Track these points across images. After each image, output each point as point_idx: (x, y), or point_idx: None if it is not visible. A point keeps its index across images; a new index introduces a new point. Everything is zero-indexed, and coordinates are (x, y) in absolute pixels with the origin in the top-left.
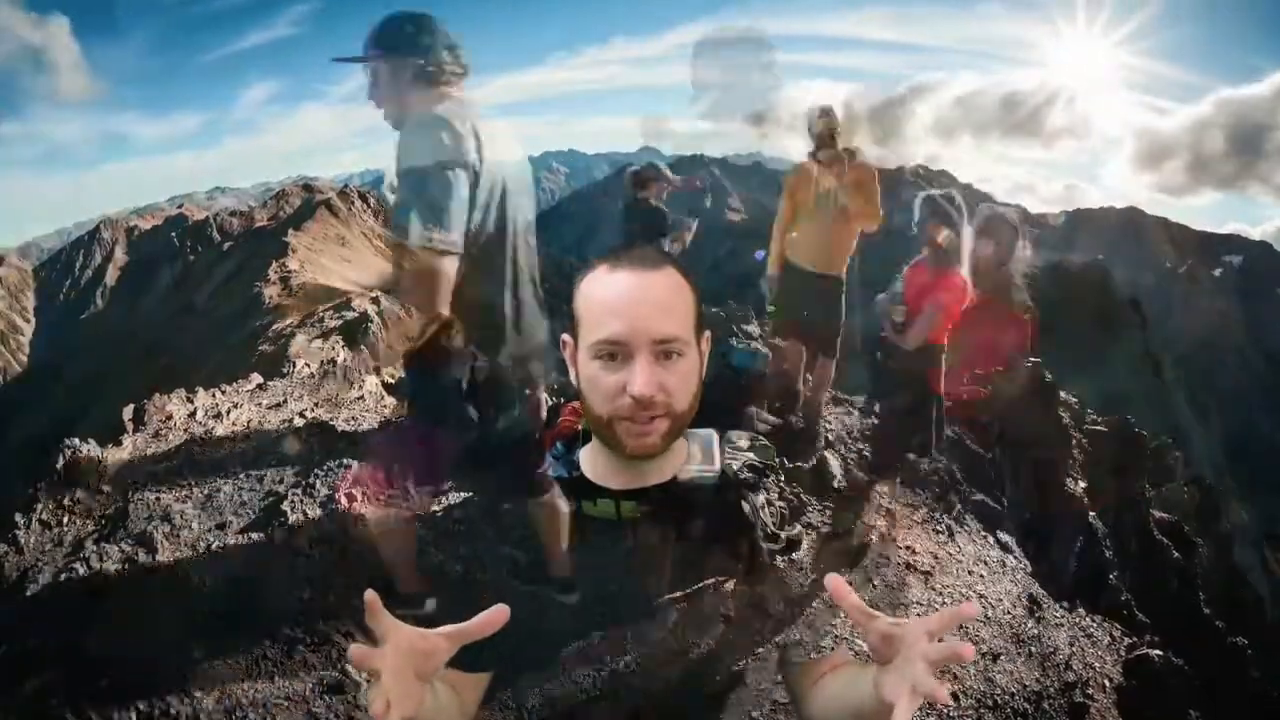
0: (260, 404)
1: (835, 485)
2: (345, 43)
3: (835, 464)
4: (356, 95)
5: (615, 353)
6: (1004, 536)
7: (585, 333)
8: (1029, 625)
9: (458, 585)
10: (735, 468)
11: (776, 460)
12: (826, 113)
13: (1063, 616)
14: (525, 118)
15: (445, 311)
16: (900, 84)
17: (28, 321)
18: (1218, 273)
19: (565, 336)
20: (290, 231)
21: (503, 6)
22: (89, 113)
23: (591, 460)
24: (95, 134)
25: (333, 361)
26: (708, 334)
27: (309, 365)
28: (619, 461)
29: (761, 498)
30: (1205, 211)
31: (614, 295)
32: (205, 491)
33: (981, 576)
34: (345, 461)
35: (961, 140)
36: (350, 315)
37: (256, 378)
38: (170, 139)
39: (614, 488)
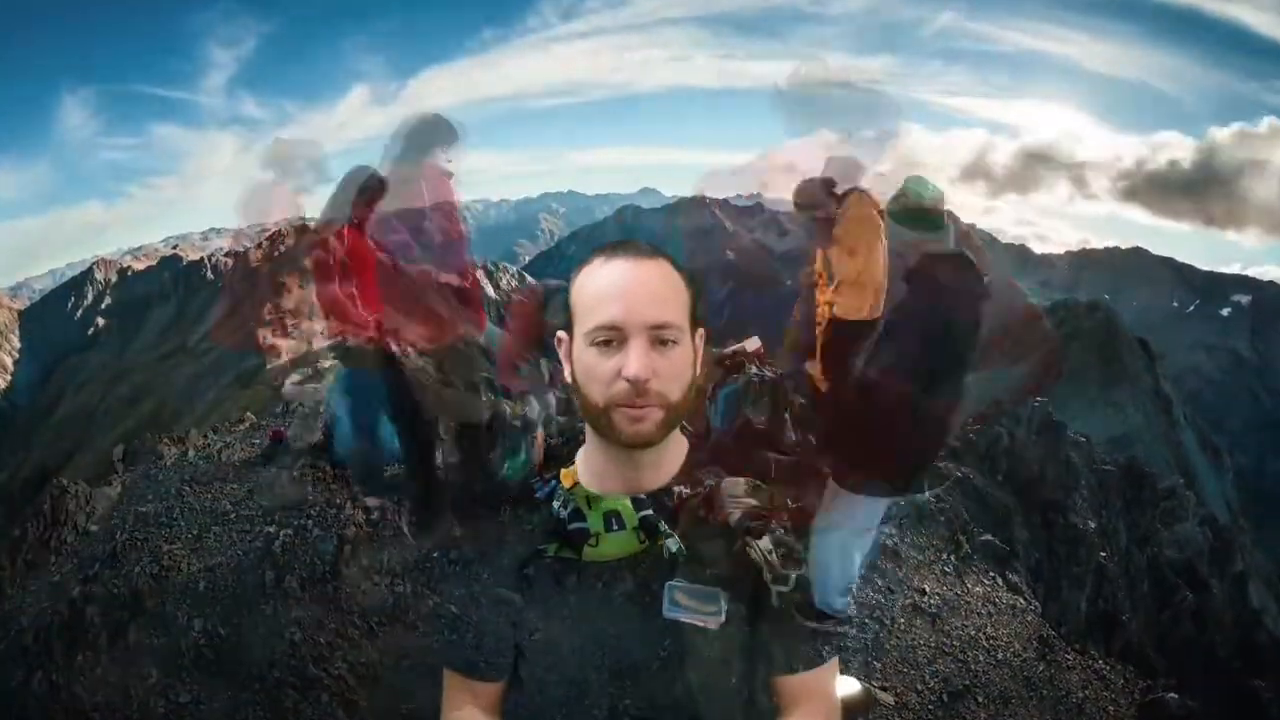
0: (253, 444)
1: None
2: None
3: None
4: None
5: (611, 338)
6: (1013, 577)
7: (582, 321)
8: (1040, 668)
9: (451, 628)
10: (737, 518)
11: (778, 500)
12: None
13: (1074, 659)
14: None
15: None
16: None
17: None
18: (1226, 312)
19: (560, 334)
20: (285, 272)
21: None
22: None
23: (587, 463)
24: None
25: (326, 402)
26: (703, 331)
27: (302, 406)
28: (616, 461)
29: (767, 541)
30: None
31: (610, 282)
32: (195, 532)
33: (991, 618)
34: (336, 501)
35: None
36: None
37: (250, 418)
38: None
39: (611, 491)
